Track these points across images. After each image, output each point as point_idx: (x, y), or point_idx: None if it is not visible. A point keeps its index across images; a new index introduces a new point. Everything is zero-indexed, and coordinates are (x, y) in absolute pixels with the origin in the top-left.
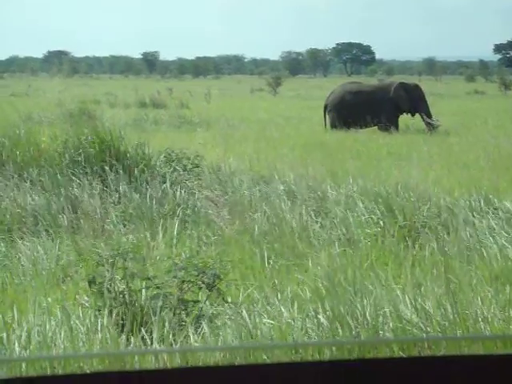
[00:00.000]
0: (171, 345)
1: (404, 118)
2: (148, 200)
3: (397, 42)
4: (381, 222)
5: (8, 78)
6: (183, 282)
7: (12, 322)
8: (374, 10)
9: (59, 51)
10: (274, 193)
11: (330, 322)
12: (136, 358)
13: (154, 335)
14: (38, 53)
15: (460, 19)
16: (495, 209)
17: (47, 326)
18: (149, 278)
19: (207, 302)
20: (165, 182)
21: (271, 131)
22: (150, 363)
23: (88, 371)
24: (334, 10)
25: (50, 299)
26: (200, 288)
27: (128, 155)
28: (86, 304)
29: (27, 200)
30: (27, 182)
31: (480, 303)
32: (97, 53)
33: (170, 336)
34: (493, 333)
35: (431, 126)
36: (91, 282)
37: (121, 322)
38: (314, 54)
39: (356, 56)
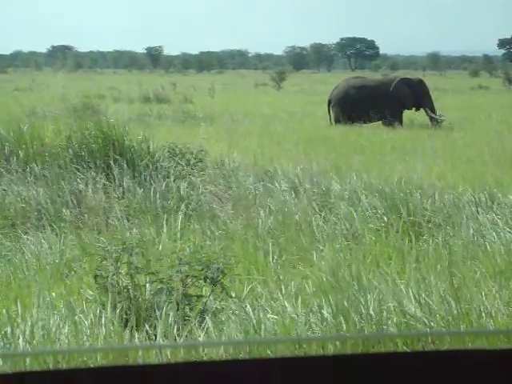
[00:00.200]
0: (175, 339)
1: (408, 113)
2: (152, 195)
3: (401, 37)
4: (385, 217)
5: (12, 72)
6: (187, 276)
7: (16, 317)
8: (378, 4)
9: (63, 46)
10: (277, 187)
11: (333, 317)
12: (140, 352)
13: (158, 330)
14: (42, 47)
15: (464, 14)
16: (499, 204)
17: (51, 321)
18: (153, 273)
19: (211, 297)
20: (169, 177)
21: (275, 126)
22: (154, 358)
23: (92, 366)
24: (338, 5)
25: (53, 294)
26: (205, 282)
27: (132, 150)
28: (90, 298)
29: (31, 195)
30: (31, 177)
31: (484, 298)
32: (101, 47)
33: (174, 331)
34: (496, 327)
35: (435, 121)
36: (97, 276)
37: (125, 316)
38: (317, 48)
39: (360, 51)
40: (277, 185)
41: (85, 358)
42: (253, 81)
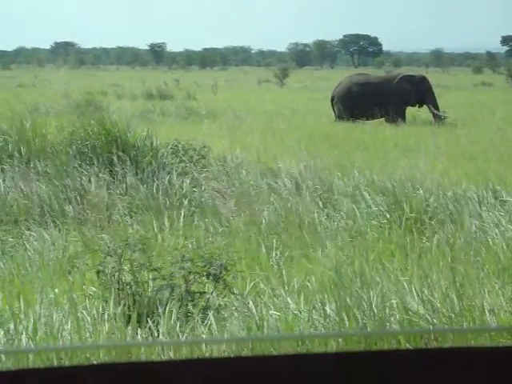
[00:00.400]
0: (178, 336)
1: (411, 110)
2: (155, 191)
3: (404, 34)
4: (387, 214)
5: (15, 69)
6: (190, 273)
7: (19, 313)
8: (381, 1)
9: (66, 42)
10: (280, 184)
11: (336, 314)
12: (142, 349)
13: (161, 326)
14: (45, 44)
15: (467, 11)
16: (502, 201)
17: (54, 317)
18: (156, 270)
19: (214, 294)
20: (171, 174)
21: (278, 123)
22: (157, 355)
23: (95, 362)
24: (342, 1)
25: (56, 290)
26: (207, 278)
27: (135, 146)
28: (93, 295)
29: (34, 191)
30: (34, 173)
31: (486, 295)
32: (104, 44)
33: (177, 327)
34: (499, 325)
35: (438, 118)
36: (99, 272)
37: (128, 313)
38: (320, 45)
39: (363, 48)
40: (280, 181)
41: (87, 355)
42: (256, 77)
